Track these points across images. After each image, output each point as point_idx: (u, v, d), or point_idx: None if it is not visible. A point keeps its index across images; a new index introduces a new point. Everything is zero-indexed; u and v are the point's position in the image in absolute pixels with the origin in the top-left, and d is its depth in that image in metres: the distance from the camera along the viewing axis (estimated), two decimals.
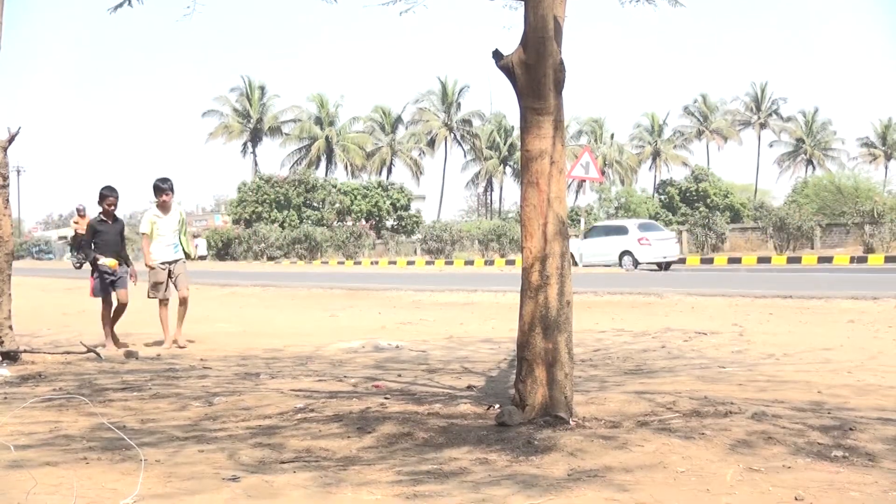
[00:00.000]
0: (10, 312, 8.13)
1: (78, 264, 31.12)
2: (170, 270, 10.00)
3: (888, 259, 29.53)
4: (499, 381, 6.92)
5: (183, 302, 9.98)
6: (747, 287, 16.59)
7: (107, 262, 9.63)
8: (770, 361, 7.96)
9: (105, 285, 9.72)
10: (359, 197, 61.73)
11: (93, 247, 9.81)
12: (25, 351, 8.30)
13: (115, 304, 9.82)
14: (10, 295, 8.15)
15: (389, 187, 63.99)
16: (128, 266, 9.93)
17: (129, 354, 8.78)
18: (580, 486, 3.71)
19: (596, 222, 29.86)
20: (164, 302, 9.95)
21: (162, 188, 9.90)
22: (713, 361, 8.02)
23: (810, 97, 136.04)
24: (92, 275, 9.84)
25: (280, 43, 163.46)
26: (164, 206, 9.96)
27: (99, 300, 9.97)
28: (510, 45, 5.21)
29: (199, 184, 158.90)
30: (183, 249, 10.18)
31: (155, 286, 9.94)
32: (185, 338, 10.11)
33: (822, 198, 44.69)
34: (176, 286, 10.02)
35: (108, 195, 9.74)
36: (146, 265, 10.02)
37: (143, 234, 10.07)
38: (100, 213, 9.89)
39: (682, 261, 33.53)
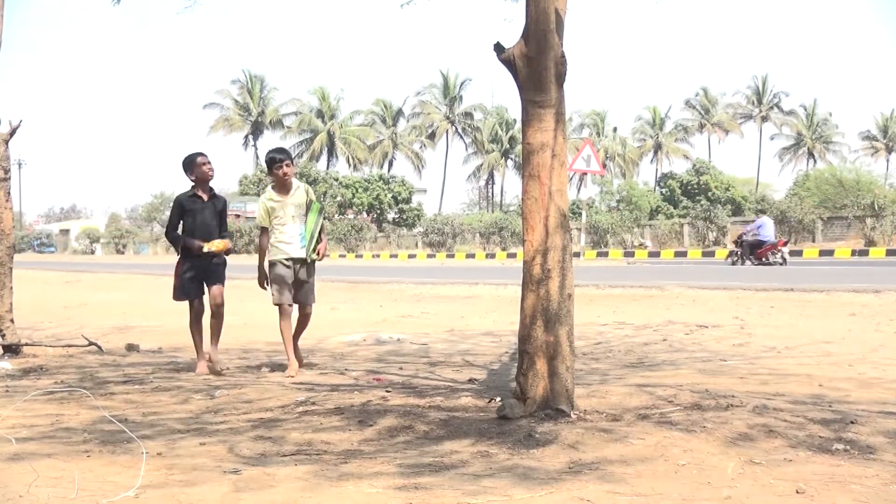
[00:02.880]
0: (11, 305, 8.13)
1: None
2: (294, 271, 7.16)
3: (889, 252, 29.51)
4: (500, 374, 6.92)
5: (303, 319, 7.42)
6: (749, 280, 16.58)
7: (212, 245, 7.18)
8: (771, 354, 7.97)
9: (194, 283, 7.23)
10: (360, 190, 61.78)
11: (183, 233, 7.33)
12: (27, 344, 8.30)
13: (204, 308, 7.34)
14: (11, 288, 8.15)
15: (391, 180, 64.02)
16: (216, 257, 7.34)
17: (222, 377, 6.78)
18: (581, 479, 3.71)
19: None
20: (285, 311, 7.18)
21: (279, 159, 7.09)
22: (714, 354, 8.02)
23: (811, 90, 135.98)
24: (177, 269, 7.32)
25: (281, 35, 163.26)
26: (282, 185, 7.15)
27: (182, 304, 7.43)
28: (512, 37, 5.20)
29: None
30: (312, 246, 7.17)
31: (273, 286, 7.20)
32: (298, 360, 7.29)
33: (824, 191, 44.68)
34: (296, 298, 7.25)
35: (193, 157, 7.28)
36: (258, 280, 7.43)
37: (261, 228, 7.36)
38: (192, 186, 7.30)
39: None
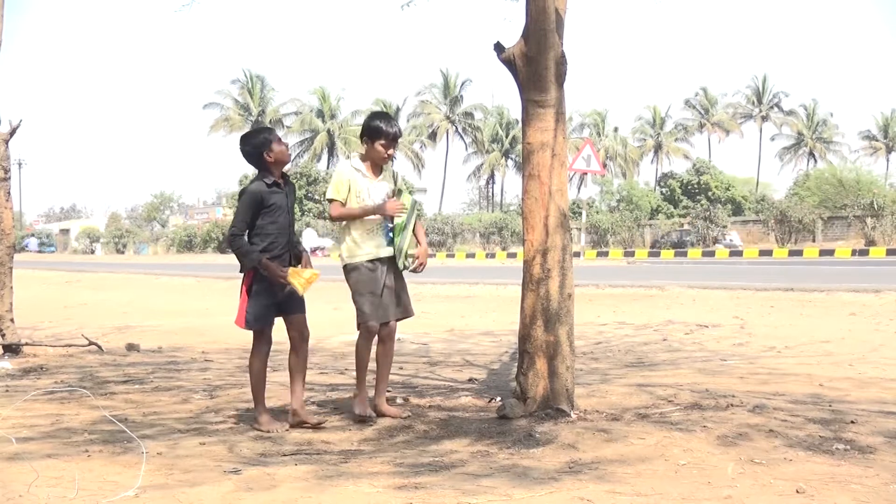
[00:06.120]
0: (11, 305, 8.13)
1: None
2: (382, 275, 5.21)
3: (889, 252, 29.51)
4: (500, 373, 6.92)
5: (390, 333, 5.36)
6: (748, 280, 16.58)
7: (296, 280, 4.94)
8: (771, 354, 7.97)
9: (271, 310, 5.10)
10: None
11: (256, 237, 5.01)
12: (27, 344, 8.30)
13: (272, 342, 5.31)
14: (11, 288, 8.15)
15: None
16: (298, 262, 5.18)
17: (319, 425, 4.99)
18: (581, 479, 3.71)
19: None
20: (370, 330, 5.22)
21: (387, 132, 5.23)
22: (714, 354, 8.02)
23: (811, 90, 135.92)
24: (248, 287, 5.04)
25: (281, 35, 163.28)
26: (375, 162, 5.31)
27: (244, 332, 5.33)
28: (512, 37, 5.20)
29: (200, 177, 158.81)
30: (402, 247, 5.24)
31: (360, 300, 5.19)
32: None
33: (824, 191, 44.68)
34: (397, 306, 5.31)
35: (270, 134, 5.23)
36: (348, 275, 5.28)
37: (332, 201, 5.23)
38: (260, 172, 5.09)
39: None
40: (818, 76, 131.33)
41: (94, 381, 6.65)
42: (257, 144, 5.05)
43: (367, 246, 5.17)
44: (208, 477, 3.84)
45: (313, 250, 49.20)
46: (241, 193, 5.09)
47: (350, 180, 5.18)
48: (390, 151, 5.28)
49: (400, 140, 5.54)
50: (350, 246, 5.21)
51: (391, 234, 5.21)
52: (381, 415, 5.14)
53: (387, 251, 5.19)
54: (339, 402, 5.66)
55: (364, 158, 5.27)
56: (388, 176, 5.35)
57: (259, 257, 4.89)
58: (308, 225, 54.43)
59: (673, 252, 36.66)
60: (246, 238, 4.98)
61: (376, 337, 5.26)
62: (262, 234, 4.97)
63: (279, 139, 5.12)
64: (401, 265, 5.22)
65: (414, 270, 5.31)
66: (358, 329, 5.21)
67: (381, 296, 5.16)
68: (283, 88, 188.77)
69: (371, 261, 5.16)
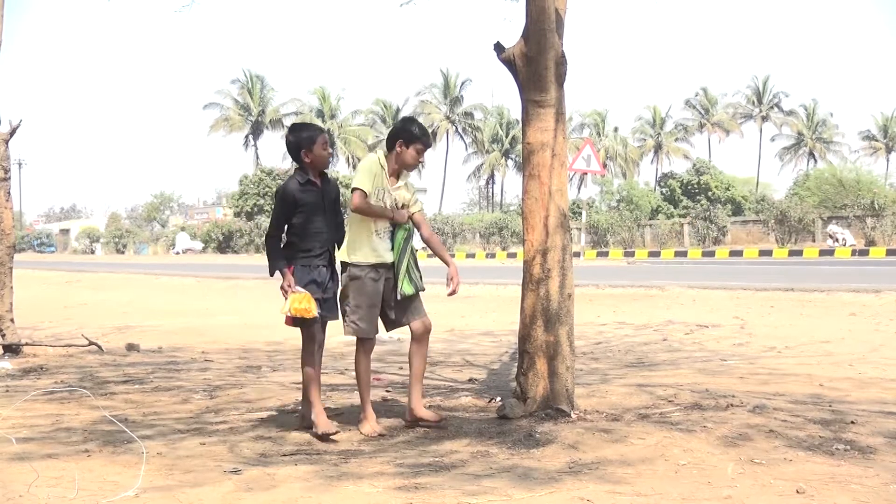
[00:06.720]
0: (11, 305, 8.13)
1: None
2: (385, 281, 5.02)
3: (890, 252, 29.48)
4: (500, 373, 6.92)
5: (421, 337, 5.10)
6: (749, 280, 16.58)
7: (289, 301, 4.77)
8: (771, 354, 7.97)
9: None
10: None
11: (294, 237, 4.96)
12: (27, 344, 8.30)
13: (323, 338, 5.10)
14: (11, 288, 8.15)
15: None
16: (332, 268, 5.06)
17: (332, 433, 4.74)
18: (581, 479, 3.71)
19: None
20: (366, 345, 5.07)
21: (424, 140, 5.13)
22: (714, 354, 8.02)
23: (811, 90, 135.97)
24: (289, 286, 4.84)
25: (281, 35, 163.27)
26: (402, 168, 5.13)
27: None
28: (512, 37, 5.20)
29: (200, 177, 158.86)
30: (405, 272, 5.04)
31: (356, 310, 4.96)
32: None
33: (824, 191, 44.63)
34: (405, 316, 5.10)
35: (316, 132, 5.10)
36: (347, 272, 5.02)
37: (357, 190, 4.94)
38: (297, 169, 5.07)
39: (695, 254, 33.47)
40: (818, 76, 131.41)
41: (94, 382, 6.65)
42: (300, 140, 4.96)
43: (368, 250, 4.93)
44: (208, 477, 3.84)
45: (184, 251, 48.83)
46: (276, 194, 5.05)
47: (377, 175, 4.99)
48: (421, 159, 5.18)
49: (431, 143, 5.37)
50: (356, 243, 4.95)
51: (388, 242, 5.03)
52: (418, 419, 4.92)
53: (390, 256, 5.00)
54: (338, 402, 5.66)
55: (390, 156, 5.07)
56: (406, 185, 5.15)
57: (280, 266, 4.84)
58: (183, 228, 53.96)
59: (673, 252, 36.67)
60: (285, 237, 4.93)
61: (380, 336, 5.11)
62: (300, 233, 4.88)
63: (325, 143, 5.01)
64: (406, 289, 4.97)
65: (451, 293, 5.06)
66: (344, 333, 5.02)
67: (378, 305, 4.96)
68: (283, 88, 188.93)
69: (375, 267, 4.93)
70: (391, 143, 5.07)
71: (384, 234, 4.99)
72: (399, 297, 4.97)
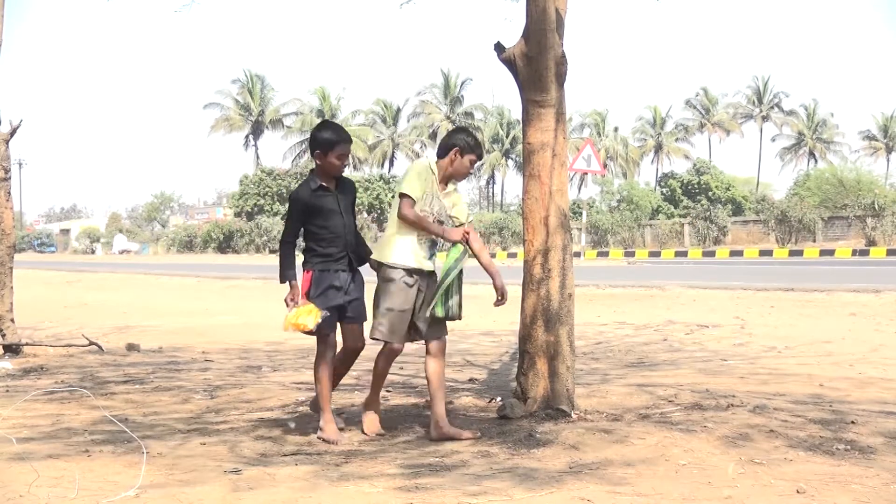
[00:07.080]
0: (11, 305, 8.13)
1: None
2: (419, 291, 4.81)
3: (890, 252, 29.51)
4: (500, 373, 6.92)
5: (437, 354, 4.92)
6: (749, 280, 16.58)
7: (291, 314, 4.68)
8: (771, 354, 7.97)
9: (333, 315, 4.78)
10: (360, 190, 61.69)
11: (311, 242, 4.89)
12: (27, 344, 8.30)
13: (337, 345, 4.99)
14: (11, 288, 8.15)
15: (391, 180, 63.94)
16: (353, 270, 4.92)
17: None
18: (582, 480, 3.71)
19: None
20: (393, 349, 4.91)
21: (480, 151, 4.99)
22: (715, 354, 8.02)
23: (812, 90, 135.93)
24: (306, 293, 4.79)
25: (281, 35, 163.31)
26: (453, 176, 4.94)
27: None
28: (512, 37, 5.19)
29: (200, 177, 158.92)
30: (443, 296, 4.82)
31: (386, 313, 4.76)
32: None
33: (825, 191, 44.63)
34: (427, 332, 4.89)
35: (336, 141, 4.86)
36: (383, 272, 4.82)
37: (404, 196, 4.78)
38: (312, 172, 5.00)
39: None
40: (818, 76, 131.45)
41: (94, 381, 6.65)
42: (320, 140, 4.84)
43: (408, 255, 4.74)
44: (209, 477, 3.84)
45: (122, 252, 48.75)
46: (289, 199, 4.97)
47: (427, 180, 4.81)
48: (472, 169, 5.06)
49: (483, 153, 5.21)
50: (393, 244, 4.77)
51: (432, 251, 4.87)
52: (446, 438, 4.61)
53: (429, 265, 4.83)
54: (338, 402, 5.66)
55: (440, 163, 4.88)
56: (454, 194, 4.97)
57: (290, 276, 4.77)
58: (120, 231, 53.98)
59: (673, 252, 36.68)
60: (303, 242, 4.86)
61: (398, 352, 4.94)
62: (317, 238, 4.78)
63: (343, 155, 4.85)
64: (437, 311, 4.75)
65: (498, 304, 4.87)
66: (371, 335, 4.82)
67: (411, 310, 4.78)
68: (283, 88, 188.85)
69: (410, 272, 4.74)
70: (445, 150, 4.88)
71: (425, 240, 4.80)
72: (428, 315, 4.78)
